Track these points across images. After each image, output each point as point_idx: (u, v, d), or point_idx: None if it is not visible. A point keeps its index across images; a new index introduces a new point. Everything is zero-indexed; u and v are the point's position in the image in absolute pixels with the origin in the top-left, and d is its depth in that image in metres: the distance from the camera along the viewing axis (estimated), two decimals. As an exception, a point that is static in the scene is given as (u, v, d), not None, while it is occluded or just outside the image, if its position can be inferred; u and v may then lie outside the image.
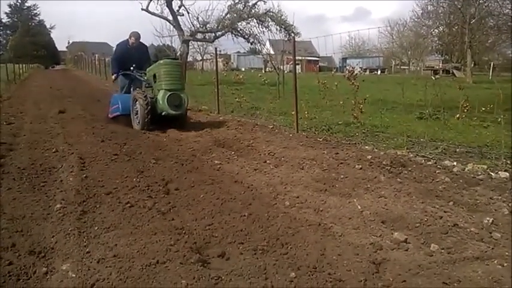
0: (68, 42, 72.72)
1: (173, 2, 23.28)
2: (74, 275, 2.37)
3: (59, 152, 5.27)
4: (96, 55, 35.19)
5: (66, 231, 2.91)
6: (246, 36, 24.46)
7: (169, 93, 7.08)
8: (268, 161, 5.12)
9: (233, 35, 24.34)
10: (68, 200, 3.52)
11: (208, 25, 23.76)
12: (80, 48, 58.32)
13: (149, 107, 7.03)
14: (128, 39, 8.26)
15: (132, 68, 8.00)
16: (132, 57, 8.09)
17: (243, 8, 23.52)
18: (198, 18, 23.43)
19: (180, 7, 23.53)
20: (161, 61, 7.50)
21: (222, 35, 24.30)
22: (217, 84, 10.35)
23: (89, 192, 3.75)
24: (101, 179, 4.14)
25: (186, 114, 7.80)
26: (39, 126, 7.35)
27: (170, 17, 23.70)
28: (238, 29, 24.17)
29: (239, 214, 3.30)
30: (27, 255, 2.59)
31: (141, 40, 8.45)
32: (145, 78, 7.82)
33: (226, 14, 23.73)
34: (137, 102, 7.24)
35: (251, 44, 25.40)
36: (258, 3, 23.54)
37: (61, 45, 71.50)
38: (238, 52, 47.08)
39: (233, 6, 23.43)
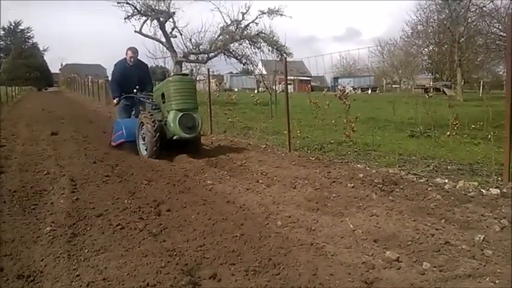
0: (61, 64, 73.03)
1: (166, 24, 23.68)
2: (62, 299, 2.34)
3: (50, 174, 5.24)
4: (89, 77, 35.29)
5: (56, 255, 2.87)
6: (239, 57, 24.82)
7: (181, 113, 6.28)
8: (260, 181, 5.11)
9: (226, 56, 24.73)
10: (58, 222, 3.48)
11: (201, 46, 24.11)
12: (72, 70, 58.43)
13: (158, 132, 6.25)
14: (125, 58, 7.64)
15: (135, 90, 7.39)
16: (132, 78, 7.49)
17: (235, 29, 23.92)
18: (191, 39, 23.82)
19: (173, 29, 23.93)
20: (170, 78, 6.81)
21: (215, 56, 24.62)
22: (209, 104, 10.45)
23: (80, 214, 3.72)
24: (92, 201, 4.11)
25: (200, 138, 7.00)
26: (31, 149, 7.32)
27: (163, 39, 24.05)
28: (231, 50, 24.54)
29: (231, 235, 3.28)
30: (16, 279, 2.56)
31: (138, 57, 7.86)
32: (152, 100, 7.13)
33: (218, 36, 24.11)
34: (144, 127, 6.43)
35: (243, 64, 25.78)
36: (250, 24, 23.97)
37: (54, 68, 71.63)
38: (231, 73, 47.55)
39: (225, 28, 23.82)
